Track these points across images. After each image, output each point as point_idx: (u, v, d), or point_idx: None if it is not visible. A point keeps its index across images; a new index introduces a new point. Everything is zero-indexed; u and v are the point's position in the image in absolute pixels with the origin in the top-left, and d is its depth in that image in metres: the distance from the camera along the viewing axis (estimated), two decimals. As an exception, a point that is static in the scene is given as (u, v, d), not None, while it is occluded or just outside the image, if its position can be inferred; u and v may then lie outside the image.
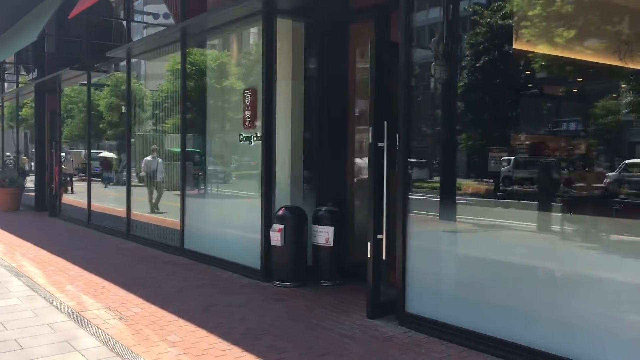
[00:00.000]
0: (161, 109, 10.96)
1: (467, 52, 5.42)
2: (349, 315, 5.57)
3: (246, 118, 7.56)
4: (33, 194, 16.07)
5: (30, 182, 16.86)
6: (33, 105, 16.67)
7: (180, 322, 5.34)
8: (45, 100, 15.47)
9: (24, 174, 17.64)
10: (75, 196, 14.15)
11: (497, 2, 5.17)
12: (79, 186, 14.02)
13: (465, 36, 5.47)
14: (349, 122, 7.44)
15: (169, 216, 9.90)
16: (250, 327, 5.22)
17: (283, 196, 7.27)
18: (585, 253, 4.45)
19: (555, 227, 4.74)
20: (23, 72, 18.67)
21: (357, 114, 7.45)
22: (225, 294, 6.44)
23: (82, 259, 8.41)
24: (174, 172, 9.85)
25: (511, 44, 4.97)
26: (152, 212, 10.60)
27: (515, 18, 4.95)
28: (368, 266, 5.45)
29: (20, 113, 18.25)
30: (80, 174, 14.37)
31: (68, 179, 14.73)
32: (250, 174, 7.90)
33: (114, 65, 12.75)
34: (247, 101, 7.55)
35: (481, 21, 5.27)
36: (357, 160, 7.42)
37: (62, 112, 14.34)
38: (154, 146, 10.77)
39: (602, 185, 4.44)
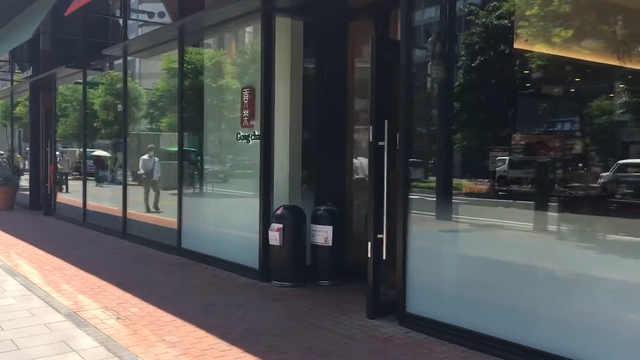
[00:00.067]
0: (156, 108, 10.90)
1: (467, 52, 5.40)
2: (349, 315, 5.54)
3: (244, 117, 7.52)
4: (27, 192, 15.97)
5: (24, 181, 16.76)
6: (27, 103, 16.58)
7: (179, 322, 5.29)
8: (40, 98, 15.37)
9: (18, 172, 17.54)
10: (70, 195, 14.08)
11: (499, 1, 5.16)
12: (74, 185, 13.95)
13: (465, 35, 5.45)
14: (347, 121, 7.41)
15: (165, 215, 9.84)
16: (249, 327, 5.18)
17: (281, 195, 7.23)
18: (583, 253, 4.45)
19: (556, 227, 4.73)
20: (18, 70, 18.57)
21: (356, 113, 7.42)
22: (224, 294, 6.39)
23: (77, 258, 8.34)
24: (169, 171, 9.80)
25: (512, 44, 4.97)
26: (148, 211, 10.54)
27: (513, 18, 4.95)
28: (368, 266, 5.41)
29: (14, 111, 18.14)
30: (74, 173, 14.30)
31: (64, 177, 14.65)
32: (248, 173, 7.86)
33: (108, 64, 12.70)
34: (245, 100, 7.50)
35: (480, 21, 5.25)
36: (356, 160, 7.39)
37: (56, 110, 14.25)
38: (150, 145, 10.70)
39: (597, 185, 4.45)
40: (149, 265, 8.10)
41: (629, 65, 4.20)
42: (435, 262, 5.26)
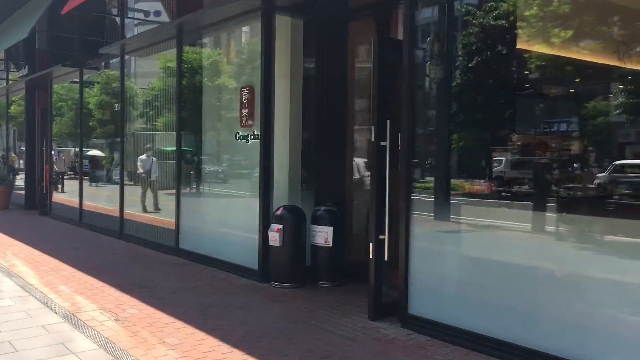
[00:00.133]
0: (152, 107, 10.83)
1: (467, 51, 5.37)
2: (350, 317, 5.49)
3: (243, 116, 7.46)
4: (23, 192, 15.85)
5: (20, 180, 16.64)
6: (22, 102, 16.46)
7: (178, 323, 5.23)
8: (35, 97, 15.27)
9: (14, 172, 17.41)
10: (66, 195, 13.98)
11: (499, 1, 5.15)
12: (70, 184, 13.85)
13: (466, 35, 5.42)
14: (347, 121, 7.36)
15: (162, 215, 9.77)
16: (250, 329, 5.13)
17: (281, 196, 7.17)
18: (580, 253, 4.45)
19: (554, 228, 4.73)
20: (13, 69, 18.44)
21: (355, 113, 7.37)
22: (223, 295, 6.33)
23: (74, 258, 8.26)
24: (165, 171, 9.73)
25: (514, 44, 4.95)
26: (145, 211, 10.47)
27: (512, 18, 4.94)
28: (370, 267, 5.36)
29: (9, 110, 18.02)
30: (69, 173, 14.20)
31: (60, 177, 14.54)
32: (248, 173, 7.80)
33: (104, 63, 12.62)
34: (245, 99, 7.44)
35: (478, 22, 5.23)
36: (356, 160, 7.35)
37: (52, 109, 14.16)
38: (148, 145, 10.62)
39: (593, 185, 4.45)
40: (147, 265, 8.03)
41: (628, 66, 4.19)
42: (437, 263, 5.22)
